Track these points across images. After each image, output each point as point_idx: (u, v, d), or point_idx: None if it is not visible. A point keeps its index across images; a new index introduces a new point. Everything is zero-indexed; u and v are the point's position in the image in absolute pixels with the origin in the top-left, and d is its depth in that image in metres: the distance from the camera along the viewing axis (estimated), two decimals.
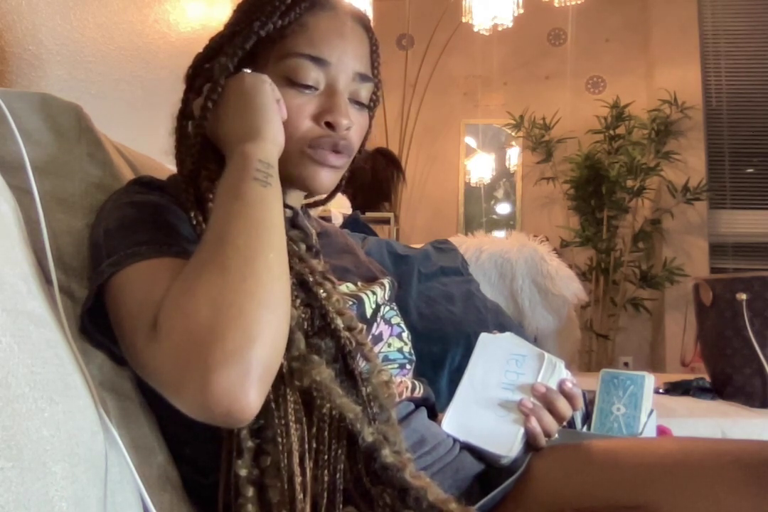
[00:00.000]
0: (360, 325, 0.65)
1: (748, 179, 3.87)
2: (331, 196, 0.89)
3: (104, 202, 0.70)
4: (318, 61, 0.72)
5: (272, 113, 0.67)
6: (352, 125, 0.74)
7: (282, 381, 0.57)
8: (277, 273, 0.56)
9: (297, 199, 0.82)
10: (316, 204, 0.91)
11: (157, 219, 0.66)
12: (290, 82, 0.72)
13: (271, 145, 0.65)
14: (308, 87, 0.72)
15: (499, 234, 3.75)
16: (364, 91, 0.76)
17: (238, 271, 0.53)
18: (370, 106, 0.80)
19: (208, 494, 0.61)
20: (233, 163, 0.63)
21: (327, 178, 0.74)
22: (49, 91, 0.80)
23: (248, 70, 0.71)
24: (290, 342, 0.57)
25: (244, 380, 0.49)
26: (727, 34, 3.87)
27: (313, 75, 0.72)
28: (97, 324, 0.61)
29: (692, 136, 3.75)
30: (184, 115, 0.75)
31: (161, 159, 0.89)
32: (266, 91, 0.68)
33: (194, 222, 0.65)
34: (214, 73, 0.70)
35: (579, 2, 3.18)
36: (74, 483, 0.44)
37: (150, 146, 0.85)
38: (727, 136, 3.83)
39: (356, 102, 0.76)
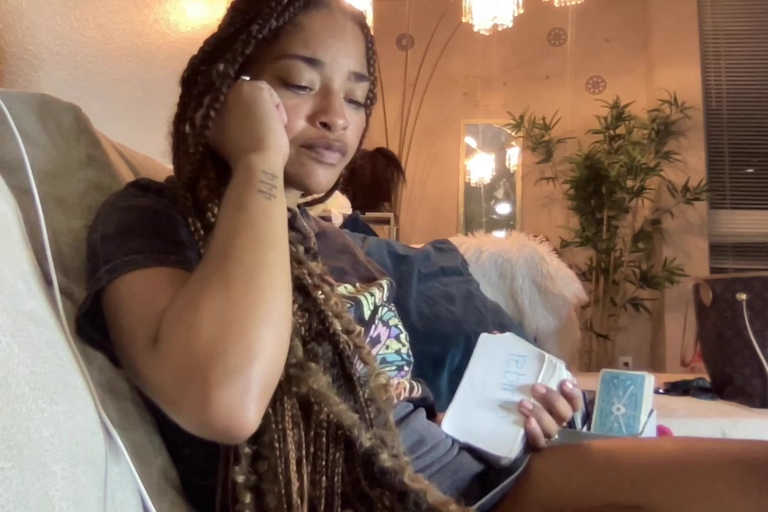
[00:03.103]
0: (358, 328, 0.65)
1: (748, 179, 3.87)
2: (329, 194, 0.89)
3: (102, 205, 0.70)
4: (312, 61, 0.71)
5: (273, 121, 0.67)
6: (349, 125, 0.73)
7: (279, 387, 0.56)
8: (280, 287, 0.56)
9: (294, 199, 0.82)
10: (314, 202, 0.91)
11: (154, 224, 0.65)
12: (285, 82, 0.71)
13: (275, 153, 0.64)
14: (303, 87, 0.72)
15: (499, 234, 3.75)
16: (360, 90, 0.76)
17: (241, 286, 0.53)
18: (367, 104, 0.79)
19: (207, 496, 0.61)
20: (238, 175, 0.62)
21: (323, 175, 0.74)
22: (48, 91, 0.80)
23: (246, 78, 0.70)
24: (288, 349, 0.57)
25: (244, 397, 0.49)
26: (727, 34, 3.87)
27: (308, 76, 0.72)
28: (94, 325, 0.61)
29: (692, 136, 3.75)
30: (180, 120, 0.74)
31: (161, 159, 0.89)
32: (265, 98, 0.68)
33: (192, 229, 0.65)
34: (215, 81, 0.69)
35: (579, 2, 3.18)
36: (74, 483, 0.44)
37: (149, 146, 0.85)
38: (727, 136, 3.83)
39: (352, 101, 0.75)
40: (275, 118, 0.67)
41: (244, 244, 0.56)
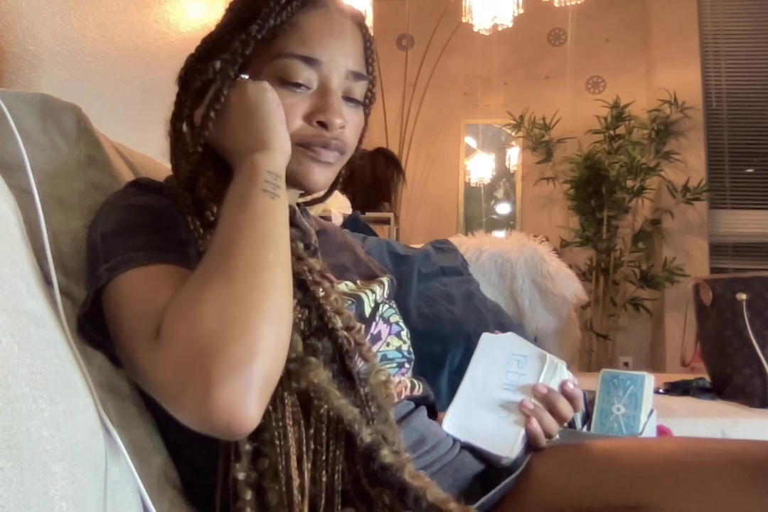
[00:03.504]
0: (358, 325, 0.65)
1: (748, 179, 3.87)
2: (329, 194, 0.89)
3: (102, 204, 0.70)
4: (309, 60, 0.71)
5: (278, 122, 0.67)
6: (347, 124, 0.73)
7: (279, 383, 0.56)
8: (282, 285, 0.56)
9: (293, 196, 0.82)
10: (314, 202, 0.91)
11: (154, 223, 0.65)
12: (282, 81, 0.71)
13: (279, 154, 0.65)
14: (300, 85, 0.72)
15: (499, 234, 3.75)
16: (359, 89, 0.76)
17: (244, 284, 0.53)
18: (366, 104, 0.79)
19: (207, 495, 0.61)
20: (241, 174, 0.63)
21: (320, 174, 0.74)
22: (48, 91, 0.80)
23: (245, 76, 0.70)
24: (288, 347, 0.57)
25: (246, 394, 0.49)
26: (727, 34, 3.87)
27: (305, 74, 0.72)
28: (95, 325, 0.61)
29: (692, 136, 3.75)
30: (178, 118, 0.74)
31: (161, 159, 0.89)
32: (269, 99, 0.68)
33: (191, 227, 0.65)
34: (215, 79, 0.69)
35: (579, 2, 3.18)
36: (74, 483, 0.44)
37: (149, 146, 0.85)
38: (727, 136, 3.83)
39: (351, 99, 0.75)
40: (279, 119, 0.68)
41: (247, 241, 0.56)
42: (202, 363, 0.49)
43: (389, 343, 0.79)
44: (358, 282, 0.82)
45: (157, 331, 0.53)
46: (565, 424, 0.79)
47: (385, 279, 0.86)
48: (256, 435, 0.56)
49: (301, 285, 0.63)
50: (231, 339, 0.50)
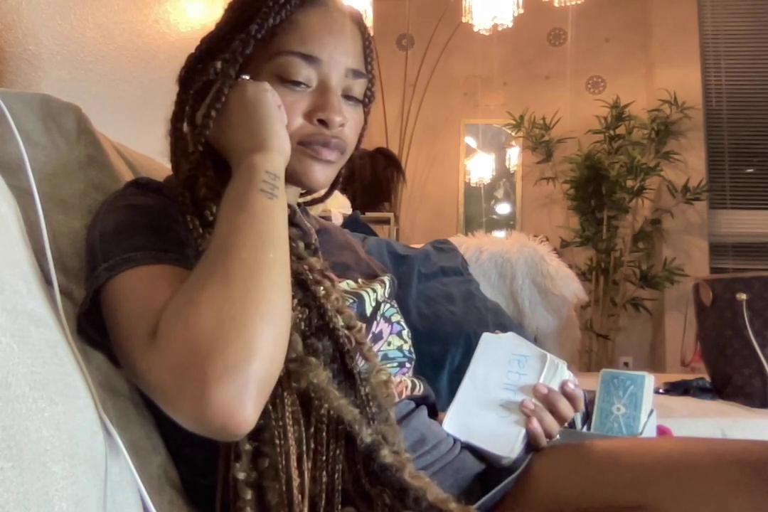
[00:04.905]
0: (359, 324, 0.65)
1: (748, 179, 3.87)
2: (329, 193, 0.89)
3: (101, 204, 0.70)
4: (309, 58, 0.71)
5: (277, 123, 0.67)
6: (346, 122, 0.73)
7: (279, 383, 0.56)
8: (281, 286, 0.56)
9: (293, 196, 0.82)
10: (314, 202, 0.91)
11: (152, 223, 0.65)
12: (282, 79, 0.71)
13: (277, 155, 0.65)
14: (299, 84, 0.72)
15: (499, 234, 3.74)
16: (358, 87, 0.76)
17: (242, 284, 0.53)
18: (365, 102, 0.79)
19: (207, 494, 0.61)
20: (240, 174, 0.63)
21: (320, 172, 0.74)
22: (48, 91, 0.80)
23: (246, 77, 0.70)
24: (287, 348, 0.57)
25: (242, 394, 0.49)
26: (727, 34, 3.87)
27: (305, 72, 0.72)
28: (94, 325, 0.61)
29: (692, 136, 3.75)
30: (178, 118, 0.74)
31: (161, 159, 0.89)
32: (269, 100, 0.68)
33: (191, 226, 0.65)
34: (216, 80, 0.69)
35: (579, 2, 3.18)
36: (74, 483, 0.44)
37: (149, 146, 0.85)
38: (727, 136, 3.83)
39: (350, 97, 0.76)
40: (279, 120, 0.68)
41: (245, 241, 0.56)
42: (199, 363, 0.49)
43: (390, 342, 0.79)
44: (360, 280, 0.82)
45: (154, 332, 0.53)
46: (566, 424, 0.78)
47: (386, 279, 0.86)
48: (256, 434, 0.56)
49: (302, 285, 0.63)
50: (228, 339, 0.50)
